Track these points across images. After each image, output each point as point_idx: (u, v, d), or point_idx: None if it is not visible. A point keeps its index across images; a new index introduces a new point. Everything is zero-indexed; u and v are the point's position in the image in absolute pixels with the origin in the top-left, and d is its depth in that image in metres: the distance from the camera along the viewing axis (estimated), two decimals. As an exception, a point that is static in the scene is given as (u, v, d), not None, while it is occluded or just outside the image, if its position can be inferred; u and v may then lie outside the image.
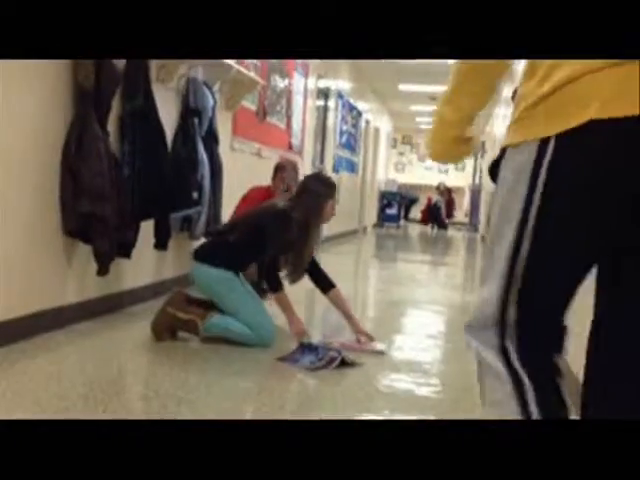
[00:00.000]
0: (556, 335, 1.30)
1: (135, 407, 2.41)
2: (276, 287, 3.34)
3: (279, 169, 4.70)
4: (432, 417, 2.46)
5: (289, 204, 3.41)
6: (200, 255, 3.34)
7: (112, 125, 3.46)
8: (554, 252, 1.23)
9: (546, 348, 1.29)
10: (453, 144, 1.48)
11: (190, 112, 4.29)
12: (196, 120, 4.31)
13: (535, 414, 1.22)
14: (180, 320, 3.23)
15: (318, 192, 3.43)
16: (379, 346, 3.42)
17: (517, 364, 1.25)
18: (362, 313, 4.80)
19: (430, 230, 15.91)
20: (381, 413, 2.46)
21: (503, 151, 1.31)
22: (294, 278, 3.48)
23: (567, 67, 1.12)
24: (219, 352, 3.14)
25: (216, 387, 2.62)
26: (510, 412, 1.25)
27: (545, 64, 1.19)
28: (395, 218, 15.69)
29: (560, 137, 1.15)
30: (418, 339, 3.83)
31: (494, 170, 1.41)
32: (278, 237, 3.31)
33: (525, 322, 1.26)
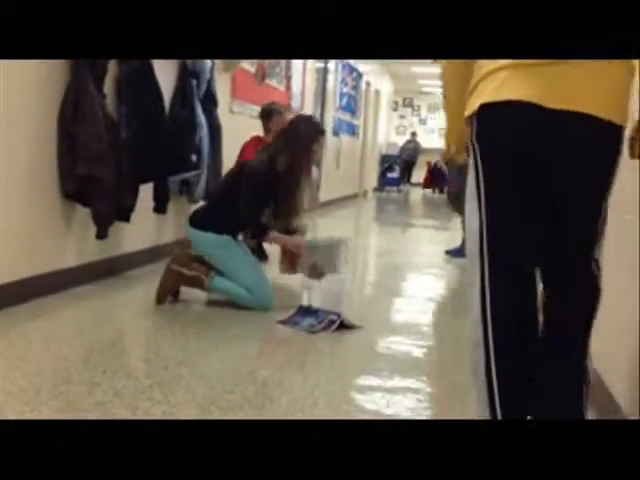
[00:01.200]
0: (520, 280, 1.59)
1: (136, 368, 2.43)
2: (264, 232, 3.34)
3: (275, 114, 4.46)
4: (425, 379, 2.48)
5: (272, 149, 3.32)
6: (196, 221, 3.31)
7: (109, 87, 3.42)
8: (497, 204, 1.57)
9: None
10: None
11: (188, 74, 4.24)
12: (194, 82, 4.25)
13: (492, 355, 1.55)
14: (185, 277, 3.23)
15: (308, 134, 3.33)
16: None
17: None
18: (362, 277, 4.82)
19: (432, 194, 15.76)
20: (379, 375, 2.48)
21: None
22: (286, 225, 3.44)
23: (483, 68, 1.55)
24: (220, 315, 3.15)
25: (217, 349, 2.64)
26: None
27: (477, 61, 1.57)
28: (396, 182, 15.59)
29: (481, 111, 1.55)
30: (417, 302, 3.84)
31: None
32: (273, 191, 3.27)
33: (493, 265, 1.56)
